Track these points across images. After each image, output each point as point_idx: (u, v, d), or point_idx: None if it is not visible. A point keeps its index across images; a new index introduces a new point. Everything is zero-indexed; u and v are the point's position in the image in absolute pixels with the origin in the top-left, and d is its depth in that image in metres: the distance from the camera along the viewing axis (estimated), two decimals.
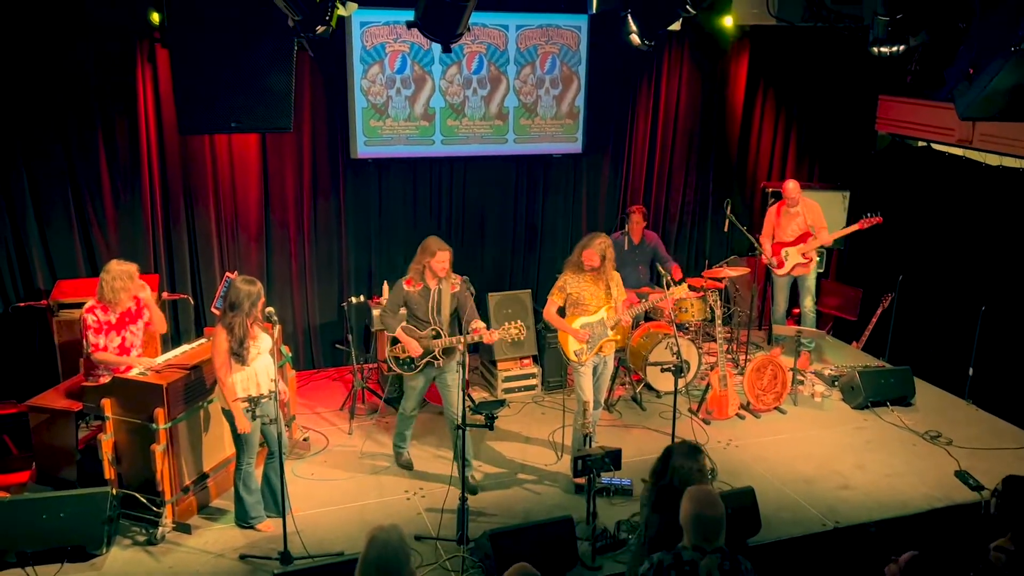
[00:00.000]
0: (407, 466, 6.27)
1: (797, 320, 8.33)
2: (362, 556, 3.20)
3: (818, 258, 8.47)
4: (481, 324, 5.91)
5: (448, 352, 5.94)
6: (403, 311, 5.99)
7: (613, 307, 6.00)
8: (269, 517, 5.49)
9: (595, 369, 6.09)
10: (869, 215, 7.77)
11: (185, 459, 5.50)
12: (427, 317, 5.86)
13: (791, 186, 7.94)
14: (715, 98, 8.89)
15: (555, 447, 6.68)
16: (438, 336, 5.84)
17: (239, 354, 5.09)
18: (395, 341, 5.99)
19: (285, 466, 5.22)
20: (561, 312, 6.04)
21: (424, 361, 5.91)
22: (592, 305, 5.95)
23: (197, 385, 5.52)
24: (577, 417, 6.11)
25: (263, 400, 5.06)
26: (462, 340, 5.73)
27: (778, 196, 8.43)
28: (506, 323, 5.91)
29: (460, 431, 5.41)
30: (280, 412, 5.28)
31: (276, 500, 5.42)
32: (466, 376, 5.80)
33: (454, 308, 5.93)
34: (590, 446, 6.00)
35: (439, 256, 5.73)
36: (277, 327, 5.12)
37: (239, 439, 5.27)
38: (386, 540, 3.23)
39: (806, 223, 7.91)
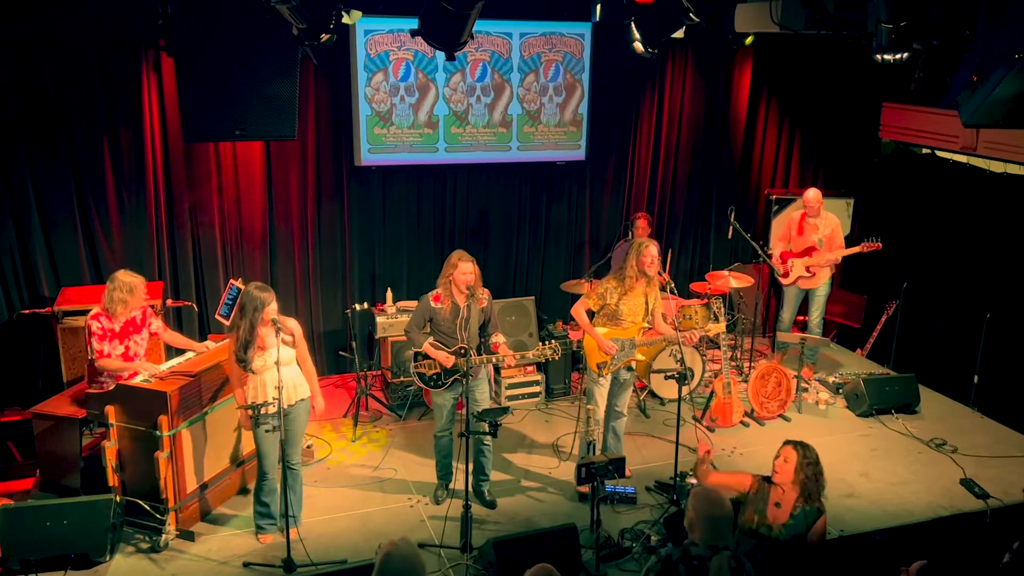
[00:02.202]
0: (439, 502, 5.97)
1: (802, 329, 8.30)
2: (376, 570, 3.19)
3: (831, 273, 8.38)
4: (502, 339, 5.77)
5: (475, 367, 5.72)
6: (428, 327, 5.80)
7: (649, 324, 5.97)
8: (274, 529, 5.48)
9: (614, 380, 6.05)
10: (871, 239, 7.68)
11: (189, 466, 5.49)
12: (454, 334, 5.66)
13: (811, 195, 7.76)
14: (718, 105, 8.89)
15: (558, 454, 6.67)
16: (465, 354, 5.57)
17: (242, 360, 5.08)
18: (418, 357, 5.77)
19: (288, 473, 5.24)
20: (590, 316, 6.00)
21: (452, 379, 5.71)
22: (627, 321, 5.90)
23: (201, 392, 5.52)
24: (583, 424, 6.10)
25: (263, 410, 5.06)
26: (491, 360, 5.70)
27: (781, 203, 8.43)
28: (540, 344, 5.80)
29: (464, 438, 5.38)
30: (299, 412, 5.27)
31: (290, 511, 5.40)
32: (493, 392, 5.69)
33: (482, 323, 5.76)
34: (593, 453, 5.99)
35: (461, 267, 5.56)
36: (281, 333, 5.10)
37: (256, 447, 5.28)
38: (403, 554, 3.23)
39: (818, 237, 7.84)
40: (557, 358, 5.84)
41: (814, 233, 7.84)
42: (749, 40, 8.09)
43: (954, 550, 5.43)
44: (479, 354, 5.72)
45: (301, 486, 5.51)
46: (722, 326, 6.47)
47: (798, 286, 8.00)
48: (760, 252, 8.16)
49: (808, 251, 7.88)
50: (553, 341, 5.81)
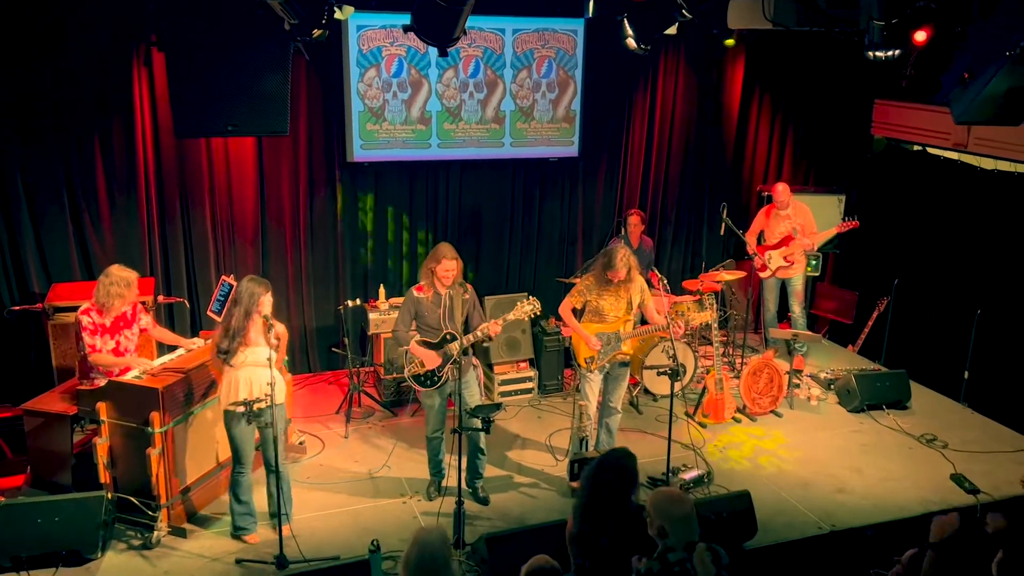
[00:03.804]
0: (431, 498, 5.95)
1: (790, 323, 8.35)
2: (404, 557, 3.28)
3: (814, 261, 8.50)
4: (486, 324, 5.73)
5: (465, 354, 5.67)
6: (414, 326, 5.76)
7: (632, 317, 5.99)
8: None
9: (608, 376, 6.06)
10: (847, 219, 7.85)
11: (181, 463, 5.48)
12: (439, 324, 5.67)
13: (780, 188, 7.97)
14: (711, 102, 8.90)
15: (552, 450, 6.68)
16: (453, 339, 5.60)
17: (225, 351, 5.05)
18: (411, 357, 5.77)
19: (281, 470, 5.23)
20: (577, 315, 6.01)
21: (444, 372, 5.66)
22: (610, 316, 5.94)
23: (193, 389, 5.51)
24: (575, 420, 6.11)
25: (256, 406, 5.03)
26: (477, 335, 5.65)
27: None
28: (518, 303, 5.73)
29: (456, 434, 5.38)
30: (276, 417, 5.25)
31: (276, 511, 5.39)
32: (481, 385, 5.66)
33: (466, 314, 5.73)
34: (586, 449, 6.00)
35: (444, 264, 5.55)
36: (273, 331, 5.09)
37: (232, 445, 5.25)
38: (426, 541, 3.29)
39: (792, 226, 7.93)
40: (538, 311, 5.76)
41: (784, 223, 7.97)
42: (730, 42, 8.11)
43: (944, 545, 5.45)
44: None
45: (289, 486, 5.49)
46: (708, 315, 6.48)
47: (776, 277, 8.08)
48: (752, 248, 8.19)
49: (784, 241, 7.96)
50: (531, 297, 5.75)
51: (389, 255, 8.09)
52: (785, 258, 8.00)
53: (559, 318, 6.48)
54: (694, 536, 3.57)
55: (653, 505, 3.66)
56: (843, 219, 7.88)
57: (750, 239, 8.16)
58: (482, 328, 5.66)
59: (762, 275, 8.14)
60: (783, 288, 8.21)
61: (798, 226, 7.92)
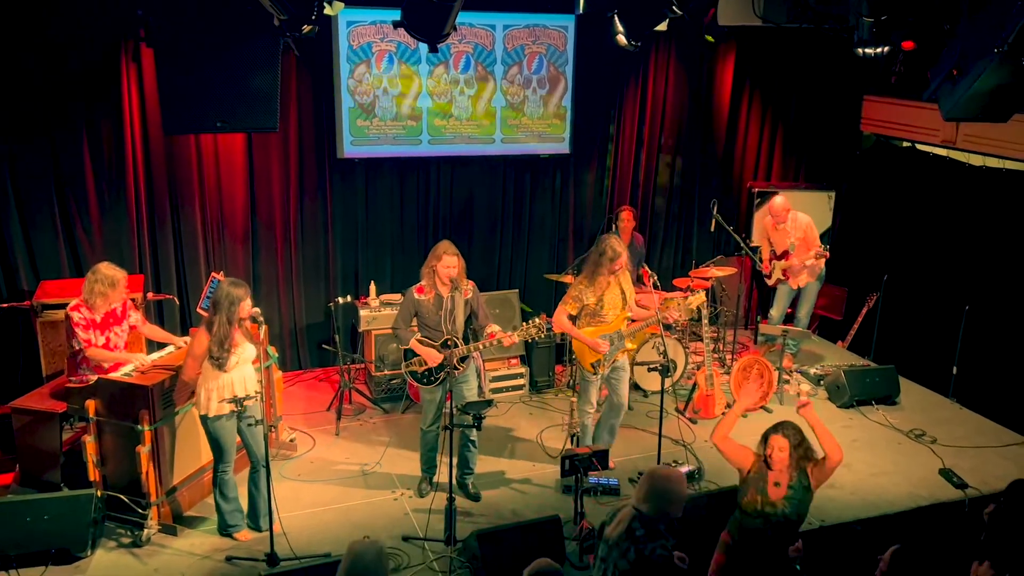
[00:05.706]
0: (423, 495, 5.95)
1: (789, 321, 8.36)
2: (340, 568, 3.33)
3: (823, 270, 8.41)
4: (496, 327, 5.73)
5: (464, 360, 5.70)
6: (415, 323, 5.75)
7: (628, 312, 6.01)
8: (249, 528, 5.45)
9: (612, 371, 6.07)
10: (824, 248, 7.87)
11: (171, 461, 5.46)
12: (440, 327, 5.64)
13: (778, 203, 7.88)
14: (701, 98, 8.91)
15: (543, 447, 6.69)
16: (453, 346, 5.57)
17: (218, 359, 5.01)
18: (409, 355, 5.74)
19: (271, 468, 5.20)
20: (571, 320, 6.00)
21: (443, 373, 5.65)
22: (610, 315, 5.93)
23: (183, 386, 5.48)
24: (569, 417, 6.11)
25: (247, 402, 5.01)
26: (479, 347, 5.68)
27: (764, 196, 8.48)
28: (524, 323, 5.74)
29: (448, 431, 5.38)
30: (265, 414, 5.24)
31: (256, 513, 5.39)
32: (483, 383, 5.66)
33: (468, 315, 5.73)
34: (576, 445, 6.02)
35: (445, 260, 5.54)
36: (263, 328, 5.09)
37: (215, 445, 5.21)
38: (360, 553, 3.34)
39: (790, 241, 7.93)
40: (543, 335, 5.80)
41: (784, 238, 7.97)
42: (709, 38, 8.11)
43: (933, 539, 5.49)
44: (466, 344, 5.71)
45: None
46: (700, 297, 6.48)
47: (789, 286, 8.08)
48: (743, 245, 8.21)
49: (785, 254, 7.98)
50: (535, 319, 5.75)
51: (379, 252, 8.07)
52: (784, 271, 8.01)
53: (551, 315, 6.49)
54: (636, 502, 3.77)
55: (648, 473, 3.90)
56: (821, 247, 7.88)
57: (762, 243, 8.22)
58: (490, 337, 5.64)
59: (768, 282, 8.19)
60: (798, 294, 8.20)
61: (796, 241, 7.90)
